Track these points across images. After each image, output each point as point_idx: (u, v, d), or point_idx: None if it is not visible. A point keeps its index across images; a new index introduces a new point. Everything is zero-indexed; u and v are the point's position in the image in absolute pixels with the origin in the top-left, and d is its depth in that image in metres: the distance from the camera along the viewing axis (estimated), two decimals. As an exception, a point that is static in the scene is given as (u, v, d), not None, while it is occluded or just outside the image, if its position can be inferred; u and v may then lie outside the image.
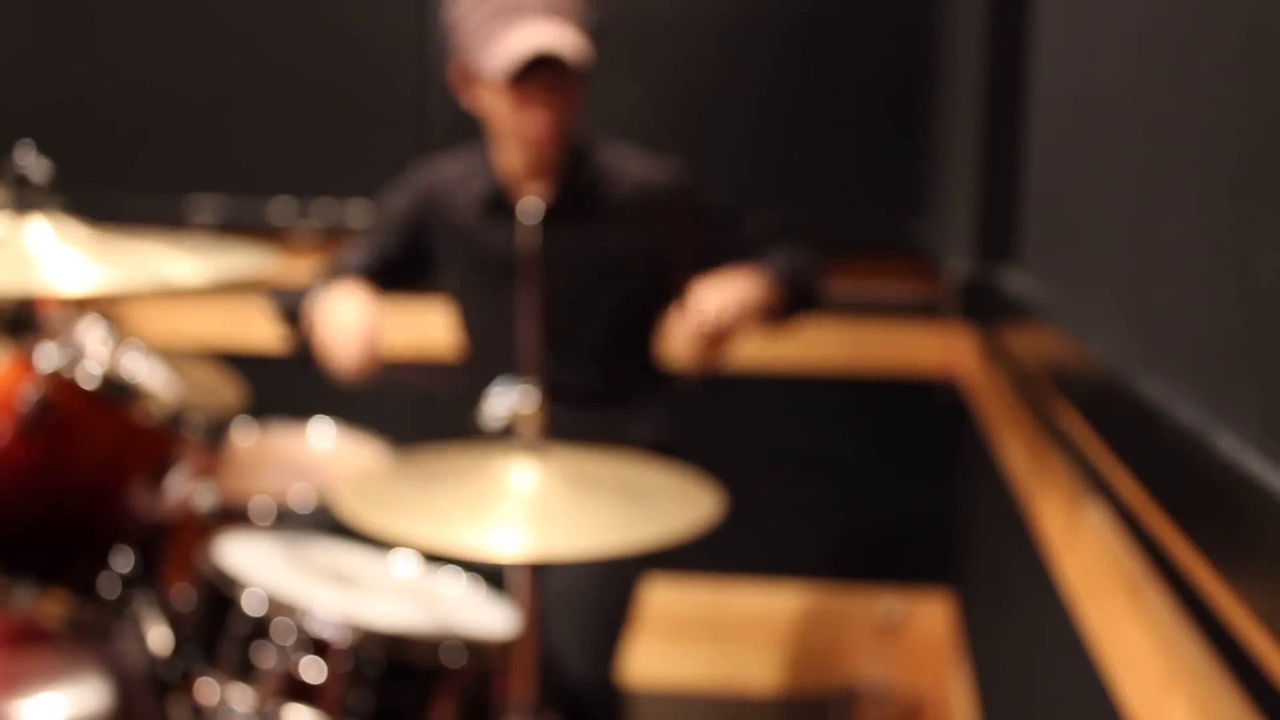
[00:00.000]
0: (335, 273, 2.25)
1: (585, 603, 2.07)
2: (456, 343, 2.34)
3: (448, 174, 2.27)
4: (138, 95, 3.09)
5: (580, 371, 2.19)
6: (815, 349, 3.00)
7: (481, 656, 1.76)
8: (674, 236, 2.19)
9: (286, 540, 2.04)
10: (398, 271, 2.27)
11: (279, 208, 3.03)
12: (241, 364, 2.53)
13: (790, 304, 2.17)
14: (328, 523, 2.09)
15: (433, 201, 2.25)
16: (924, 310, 2.93)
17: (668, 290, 2.20)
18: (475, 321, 2.27)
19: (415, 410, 2.76)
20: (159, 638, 1.83)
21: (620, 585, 2.12)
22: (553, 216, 2.11)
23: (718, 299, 2.02)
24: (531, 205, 1.88)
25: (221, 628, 1.76)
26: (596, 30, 2.13)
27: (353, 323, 2.01)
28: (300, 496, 2.29)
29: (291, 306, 2.19)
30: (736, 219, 2.24)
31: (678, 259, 2.19)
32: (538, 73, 2.05)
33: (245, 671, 1.73)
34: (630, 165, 2.22)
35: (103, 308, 2.27)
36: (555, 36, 2.02)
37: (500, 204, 2.20)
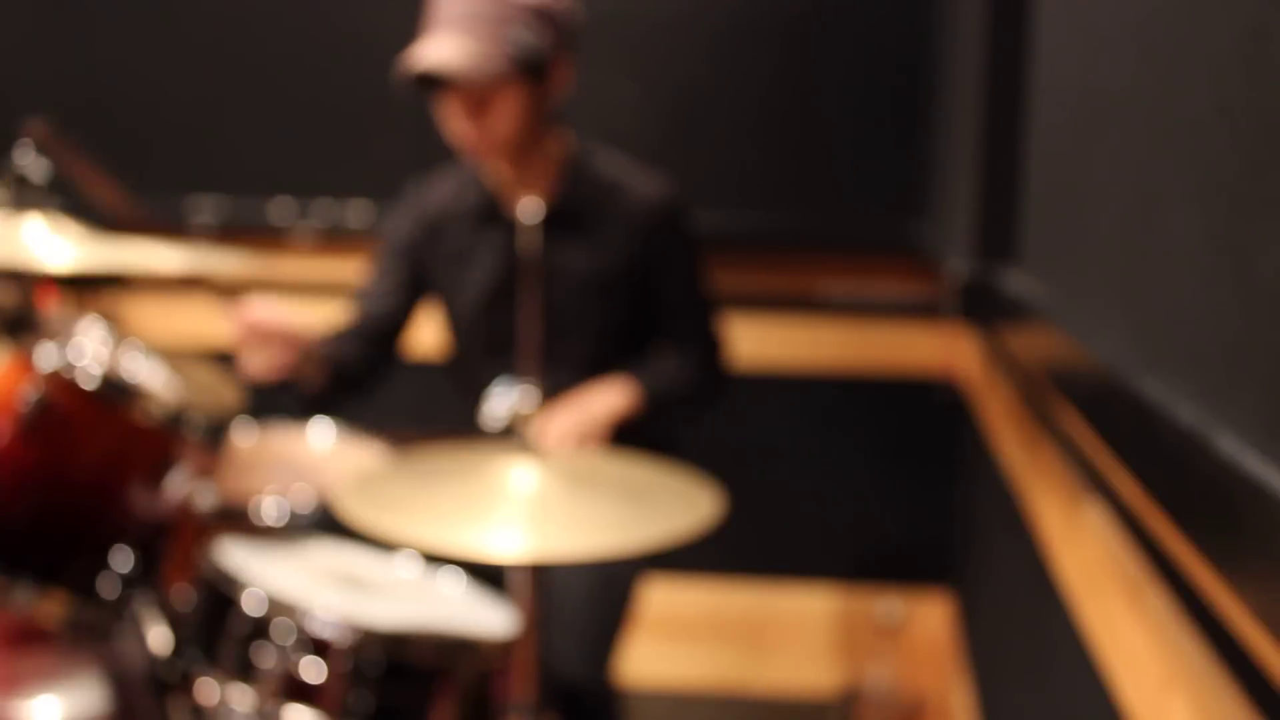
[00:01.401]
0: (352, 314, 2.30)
1: (582, 603, 2.06)
2: (445, 347, 2.33)
3: (442, 193, 2.28)
4: (138, 95, 3.09)
5: (574, 379, 2.19)
6: (815, 349, 3.00)
7: (481, 656, 1.76)
8: (661, 262, 2.20)
9: (286, 540, 2.04)
10: (403, 299, 2.30)
11: (279, 208, 3.03)
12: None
13: (644, 413, 2.17)
14: (328, 523, 2.09)
15: (429, 227, 2.26)
16: (924, 310, 2.93)
17: (653, 301, 2.21)
18: (468, 330, 2.26)
19: (415, 410, 2.76)
20: (159, 638, 1.83)
21: (618, 586, 2.12)
22: (548, 226, 2.11)
23: (571, 425, 2.05)
24: (532, 205, 1.88)
25: (221, 628, 1.76)
26: (535, 39, 2.06)
27: (252, 323, 2.05)
28: (300, 496, 2.29)
29: None
30: (698, 267, 2.26)
31: (663, 275, 2.20)
32: (441, 88, 2.06)
33: (245, 671, 1.73)
34: (627, 180, 2.21)
35: (103, 308, 2.27)
36: (443, 53, 2.00)
37: (492, 214, 2.20)
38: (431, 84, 2.06)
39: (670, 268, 2.22)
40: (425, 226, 2.26)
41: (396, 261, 2.28)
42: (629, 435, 2.15)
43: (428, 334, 2.72)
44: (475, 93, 2.05)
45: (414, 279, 2.28)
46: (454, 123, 2.10)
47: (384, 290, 2.28)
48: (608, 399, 2.12)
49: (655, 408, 2.17)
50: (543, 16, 2.06)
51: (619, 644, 2.09)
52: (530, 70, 2.06)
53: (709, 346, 2.27)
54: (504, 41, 2.02)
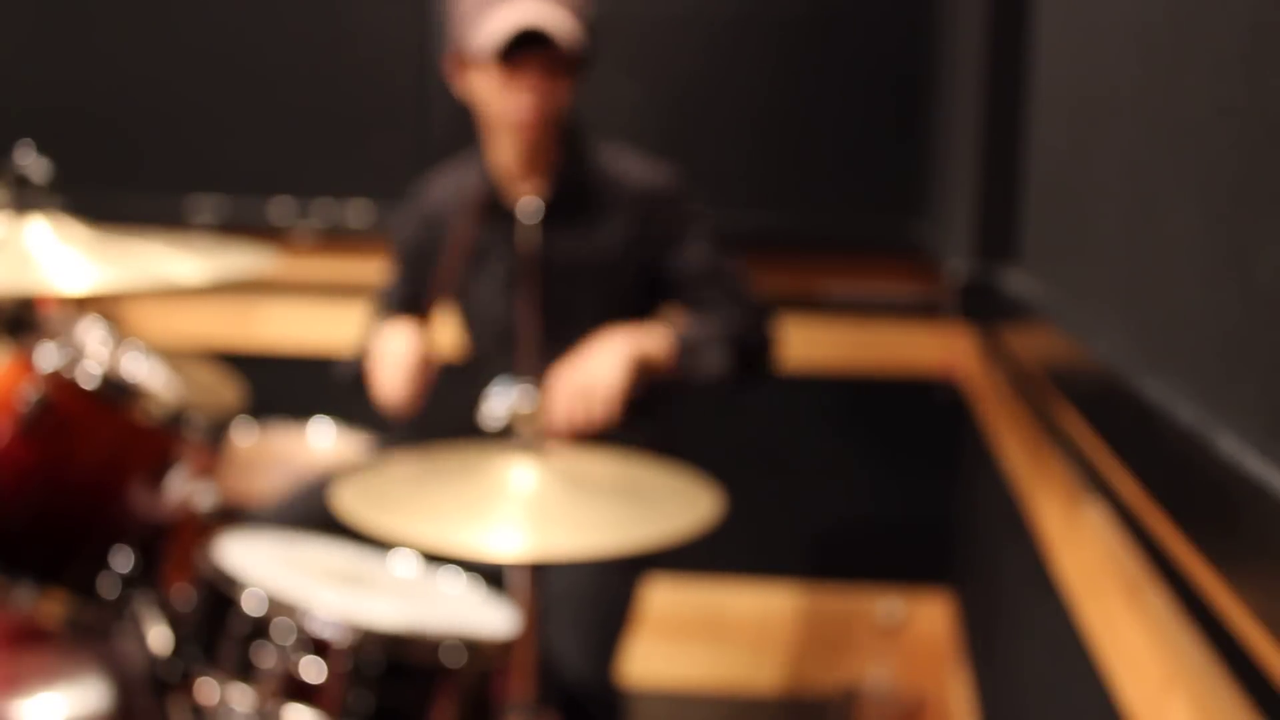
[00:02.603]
0: (380, 316, 2.30)
1: (585, 603, 2.06)
2: (462, 345, 2.34)
3: (444, 188, 2.28)
4: (138, 95, 3.09)
5: None
6: (815, 349, 3.00)
7: (481, 656, 1.76)
8: (667, 241, 2.20)
9: (286, 540, 2.04)
10: (426, 299, 2.30)
11: (279, 208, 3.03)
12: (241, 364, 2.54)
13: (678, 369, 2.08)
14: (328, 522, 2.09)
15: (432, 224, 2.27)
16: (924, 310, 2.93)
17: (659, 293, 2.21)
18: (475, 325, 2.27)
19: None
20: (159, 638, 1.83)
21: (620, 586, 2.12)
22: (548, 216, 2.11)
23: (576, 387, 1.96)
24: (531, 205, 1.88)
25: (221, 628, 1.76)
26: (593, 23, 2.12)
27: (399, 357, 2.06)
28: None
29: (354, 371, 2.26)
30: (711, 238, 2.22)
31: (668, 263, 2.20)
32: (525, 51, 2.05)
33: (245, 671, 1.73)
34: (628, 167, 2.22)
35: (103, 308, 2.27)
36: (544, 14, 2.02)
37: (495, 205, 2.20)
38: (517, 46, 2.04)
39: (680, 242, 2.20)
40: (428, 226, 2.26)
41: (408, 269, 2.29)
42: (625, 438, 2.15)
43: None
44: (552, 62, 2.07)
45: (425, 284, 2.28)
46: (514, 94, 2.07)
47: (403, 295, 2.30)
48: (639, 341, 2.03)
49: (691, 361, 2.07)
50: (590, 7, 2.12)
51: (622, 644, 2.09)
52: (585, 54, 2.10)
53: (749, 308, 2.17)
54: (581, 18, 2.08)
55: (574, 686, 1.99)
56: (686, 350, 2.09)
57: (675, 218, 2.21)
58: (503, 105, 2.09)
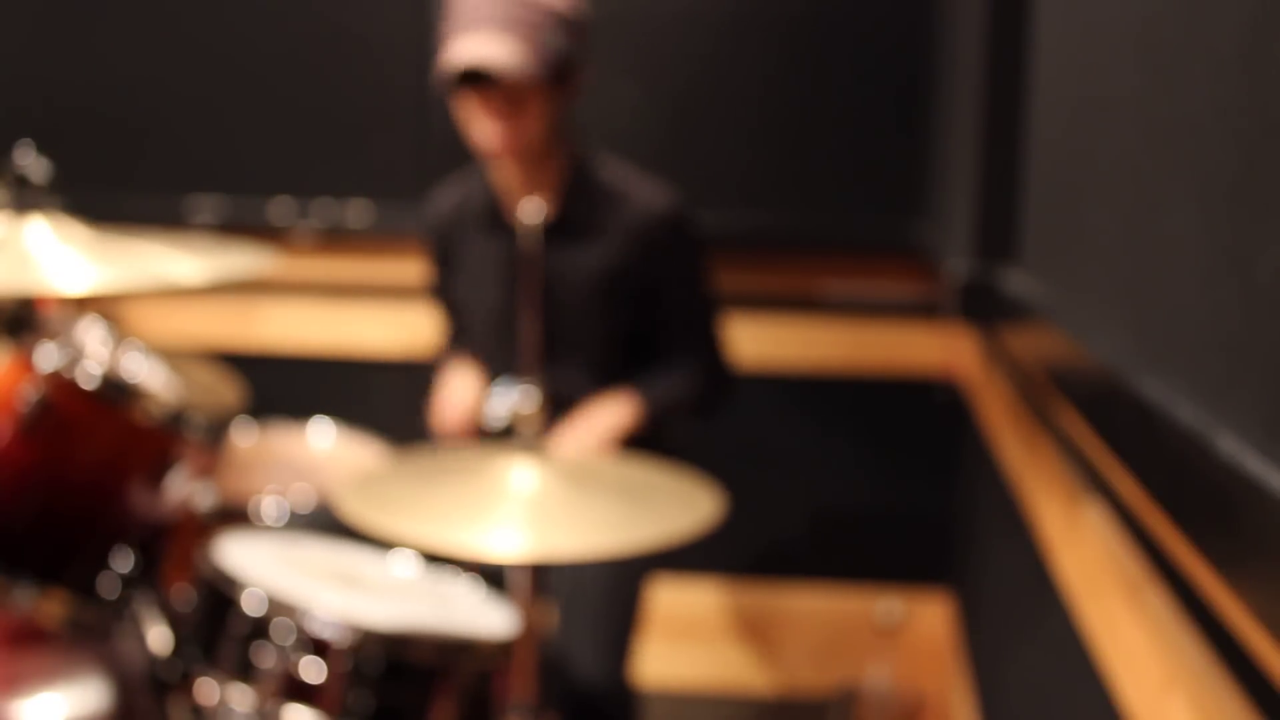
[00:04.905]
0: (447, 342, 2.41)
1: (597, 603, 2.07)
2: (464, 351, 2.35)
3: (450, 201, 2.31)
4: (138, 95, 3.09)
5: (578, 382, 2.19)
6: (814, 349, 3.00)
7: (481, 656, 1.76)
8: (664, 264, 2.22)
9: (286, 540, 2.04)
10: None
11: (279, 208, 3.03)
12: (241, 364, 2.53)
13: (648, 426, 2.20)
14: (328, 523, 2.09)
15: (443, 239, 2.32)
16: (924, 310, 2.93)
17: (658, 308, 2.22)
18: (480, 335, 2.27)
19: (415, 410, 2.76)
20: (159, 638, 1.83)
21: (630, 585, 2.12)
22: (553, 233, 2.11)
23: (578, 441, 2.11)
24: (533, 204, 1.88)
25: (221, 628, 1.76)
26: (564, 45, 2.08)
27: (455, 396, 2.22)
28: (300, 496, 2.29)
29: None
30: (702, 276, 2.29)
31: (666, 284, 2.22)
32: (478, 85, 2.05)
33: (245, 671, 1.73)
34: (632, 187, 2.22)
35: (103, 308, 2.27)
36: (489, 49, 2.00)
37: (497, 218, 2.21)
38: (468, 81, 2.05)
39: (673, 277, 2.23)
40: (440, 239, 2.30)
41: (447, 292, 2.37)
42: (635, 443, 2.16)
43: (422, 335, 2.72)
44: (510, 93, 2.06)
45: (451, 296, 2.36)
46: (481, 123, 2.09)
47: (447, 300, 2.38)
48: (612, 414, 2.14)
49: (658, 420, 2.20)
50: (567, 24, 2.08)
51: (634, 644, 2.09)
52: (557, 76, 2.08)
53: (712, 355, 2.29)
54: (540, 45, 2.04)
55: (589, 688, 1.99)
56: (654, 418, 2.20)
57: (674, 246, 2.23)
58: (471, 133, 2.12)
